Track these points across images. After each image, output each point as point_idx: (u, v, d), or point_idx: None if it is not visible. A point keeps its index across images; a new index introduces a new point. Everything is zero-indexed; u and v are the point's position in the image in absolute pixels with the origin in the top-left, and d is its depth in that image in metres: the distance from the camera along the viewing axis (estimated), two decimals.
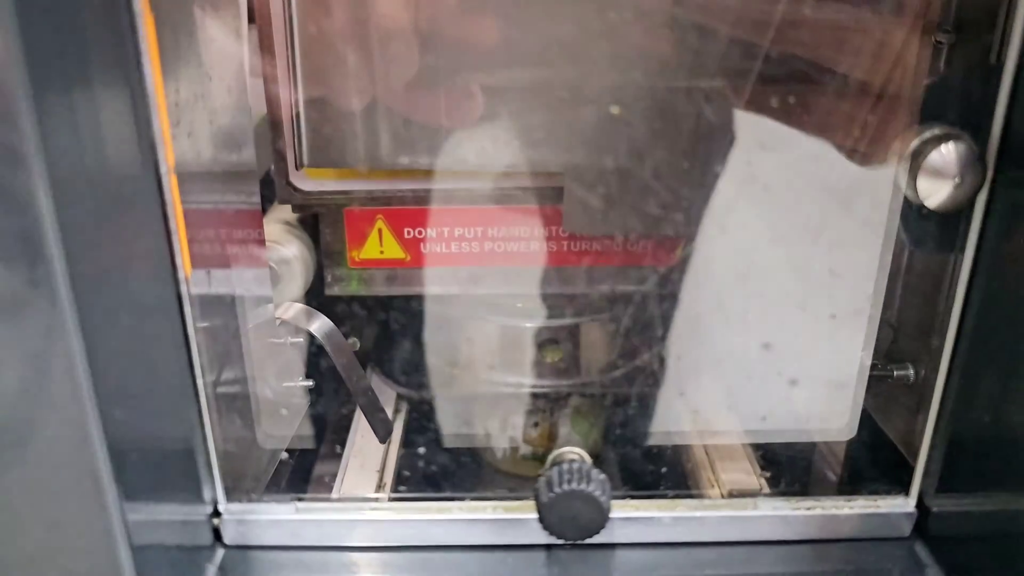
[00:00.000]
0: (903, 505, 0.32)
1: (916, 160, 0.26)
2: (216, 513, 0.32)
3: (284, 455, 0.37)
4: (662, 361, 0.38)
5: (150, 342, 0.28)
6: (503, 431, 0.41)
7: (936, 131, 0.27)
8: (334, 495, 0.36)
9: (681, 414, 0.36)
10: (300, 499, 0.32)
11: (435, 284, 0.44)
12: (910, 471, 0.32)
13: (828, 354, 0.35)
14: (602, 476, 0.29)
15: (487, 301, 0.43)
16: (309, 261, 0.43)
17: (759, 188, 0.32)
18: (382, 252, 0.43)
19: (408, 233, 0.42)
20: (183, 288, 0.29)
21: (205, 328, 0.31)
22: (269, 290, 0.39)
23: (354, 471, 0.38)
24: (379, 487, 0.36)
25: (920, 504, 0.32)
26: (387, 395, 0.44)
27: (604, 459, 0.39)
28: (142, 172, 0.27)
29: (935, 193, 0.26)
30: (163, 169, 0.27)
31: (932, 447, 0.31)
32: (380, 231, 0.43)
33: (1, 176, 0.20)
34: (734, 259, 0.35)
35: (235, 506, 0.32)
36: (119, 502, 0.25)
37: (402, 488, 0.36)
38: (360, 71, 0.36)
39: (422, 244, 0.42)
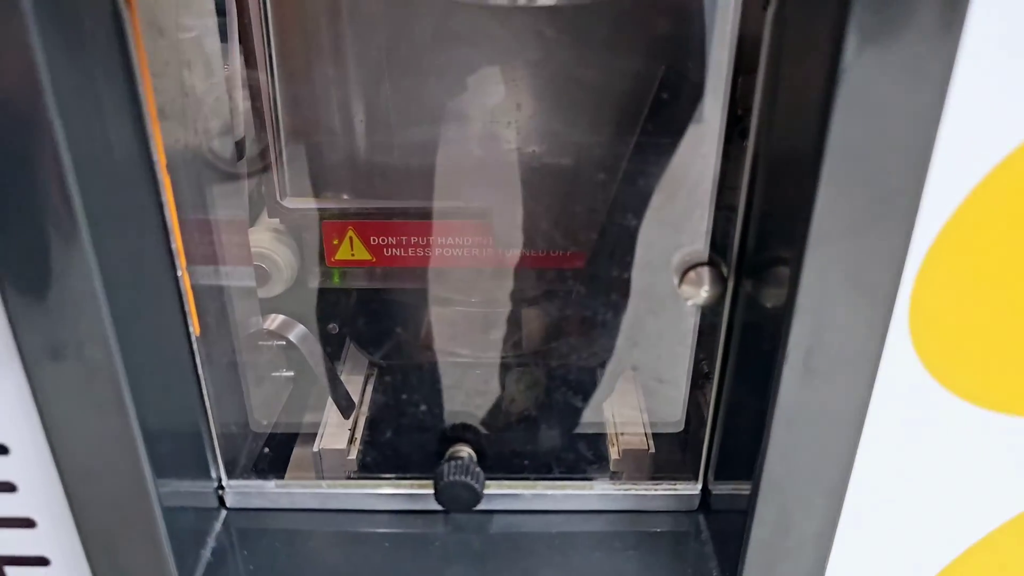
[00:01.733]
0: (692, 488, 0.46)
1: (682, 275, 0.39)
2: (220, 486, 0.46)
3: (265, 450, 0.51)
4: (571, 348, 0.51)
5: (163, 342, 0.40)
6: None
7: (696, 256, 0.39)
8: (315, 447, 0.50)
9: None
10: (279, 478, 0.47)
11: (394, 280, 0.57)
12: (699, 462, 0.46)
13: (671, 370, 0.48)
14: (478, 470, 0.43)
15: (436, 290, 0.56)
16: (293, 262, 0.56)
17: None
18: (352, 255, 0.56)
19: (373, 240, 0.55)
20: (182, 287, 0.40)
21: (204, 329, 0.43)
22: (254, 284, 0.50)
23: (331, 427, 0.52)
24: (350, 441, 0.50)
25: (704, 487, 0.46)
26: (361, 362, 0.57)
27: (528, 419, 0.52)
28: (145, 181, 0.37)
29: (693, 297, 0.39)
30: (160, 180, 0.37)
31: (711, 447, 0.45)
32: (351, 239, 0.55)
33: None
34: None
35: (234, 482, 0.46)
36: (153, 476, 0.39)
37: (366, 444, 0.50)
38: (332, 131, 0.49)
39: (384, 249, 0.56)
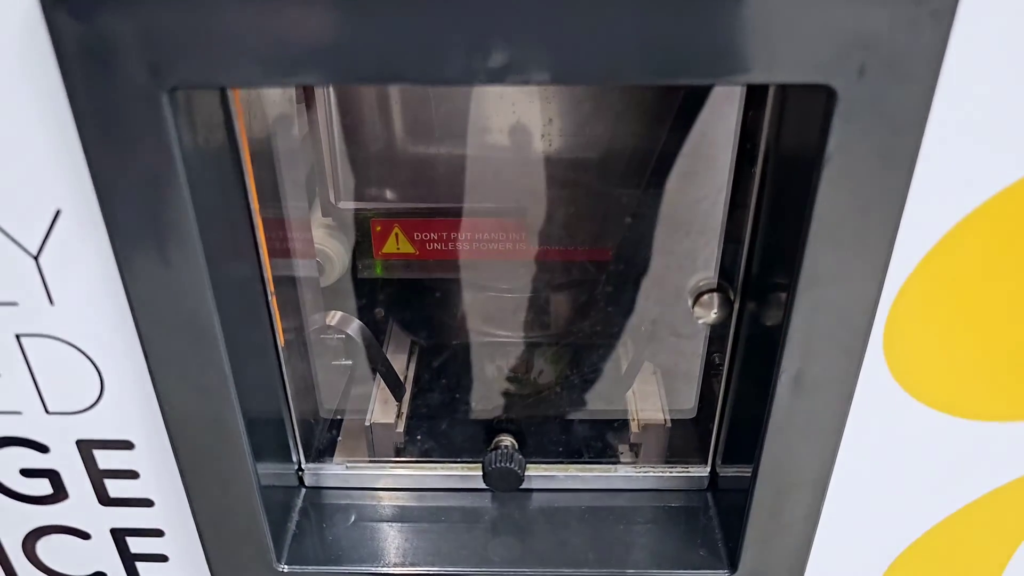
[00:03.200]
0: (702, 471, 0.53)
1: (695, 298, 0.46)
2: (300, 468, 0.54)
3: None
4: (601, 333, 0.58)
5: (254, 335, 0.47)
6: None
7: (707, 281, 0.46)
8: (366, 421, 0.57)
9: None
10: (348, 461, 0.55)
11: (435, 271, 0.64)
12: (708, 447, 0.54)
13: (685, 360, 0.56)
14: (520, 456, 0.51)
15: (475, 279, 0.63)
16: (344, 256, 0.63)
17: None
18: (398, 248, 0.63)
19: (416, 236, 0.63)
20: (267, 281, 0.46)
21: (284, 318, 0.51)
22: (318, 276, 0.57)
23: (380, 403, 0.60)
24: (397, 416, 0.58)
25: (712, 470, 0.53)
26: (404, 342, 0.64)
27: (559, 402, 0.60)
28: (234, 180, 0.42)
29: (704, 317, 0.46)
30: (246, 177, 0.43)
31: (718, 434, 0.52)
32: (396, 235, 0.63)
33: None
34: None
35: (311, 465, 0.54)
36: (253, 460, 0.46)
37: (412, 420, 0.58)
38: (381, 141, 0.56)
39: (426, 244, 0.63)
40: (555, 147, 0.56)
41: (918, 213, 0.37)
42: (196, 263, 0.38)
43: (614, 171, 0.55)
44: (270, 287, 0.48)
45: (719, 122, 0.44)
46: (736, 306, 0.46)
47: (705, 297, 0.46)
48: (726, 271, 0.47)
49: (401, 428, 0.58)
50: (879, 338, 0.41)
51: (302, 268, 0.54)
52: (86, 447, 0.47)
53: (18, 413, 0.45)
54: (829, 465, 0.44)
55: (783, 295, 0.40)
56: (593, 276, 0.60)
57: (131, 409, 0.45)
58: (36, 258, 0.40)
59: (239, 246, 0.44)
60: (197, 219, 0.37)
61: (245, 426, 0.44)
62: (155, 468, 0.47)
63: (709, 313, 0.46)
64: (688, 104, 0.47)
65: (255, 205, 0.45)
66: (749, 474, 0.47)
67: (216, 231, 0.39)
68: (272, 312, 0.49)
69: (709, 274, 0.47)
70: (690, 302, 0.47)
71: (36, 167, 0.37)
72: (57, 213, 0.38)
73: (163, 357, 0.41)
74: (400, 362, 0.64)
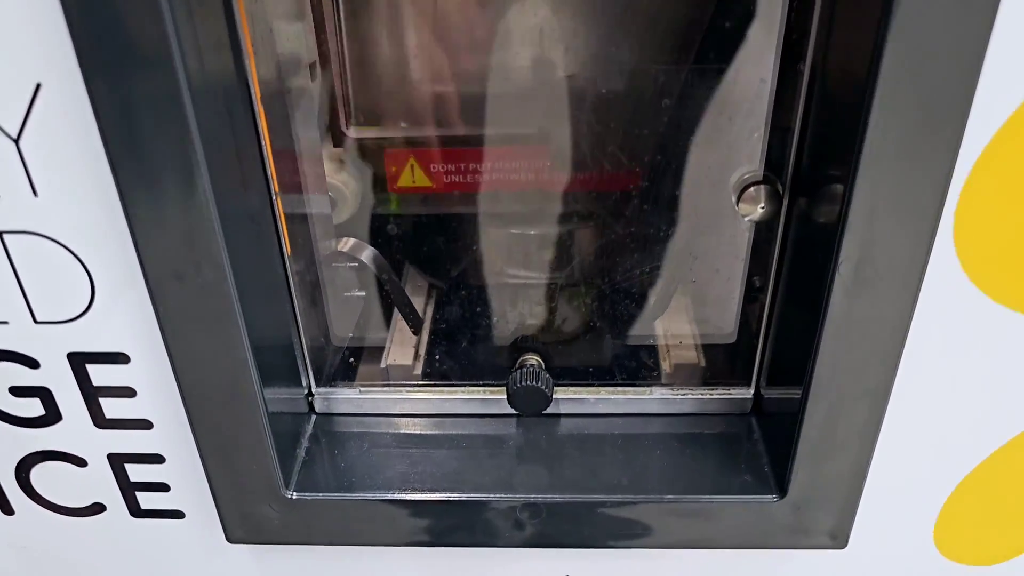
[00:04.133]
0: (745, 393, 0.49)
1: (740, 193, 0.42)
2: (310, 393, 0.51)
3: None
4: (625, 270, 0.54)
5: (262, 262, 0.44)
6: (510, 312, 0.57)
7: (752, 174, 0.42)
8: (383, 364, 0.54)
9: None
10: (362, 385, 0.51)
11: (453, 205, 0.60)
12: (752, 364, 0.49)
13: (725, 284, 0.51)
14: (547, 376, 0.47)
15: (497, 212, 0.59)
16: (357, 190, 0.60)
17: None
18: (414, 181, 0.59)
19: (433, 168, 0.59)
20: (275, 204, 0.43)
21: (293, 250, 0.47)
22: (330, 210, 0.54)
23: (397, 345, 0.56)
24: (415, 357, 0.55)
25: (756, 392, 0.49)
26: (421, 285, 0.60)
27: (589, 332, 0.55)
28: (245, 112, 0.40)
29: (750, 213, 0.42)
30: (256, 111, 0.41)
31: (763, 354, 0.48)
32: (412, 166, 0.59)
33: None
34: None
35: (322, 389, 0.50)
36: (260, 384, 0.43)
37: (430, 358, 0.54)
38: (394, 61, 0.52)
39: (444, 175, 0.59)
40: (580, 59, 0.52)
41: (997, 73, 0.33)
42: (198, 175, 0.35)
43: (646, 73, 0.50)
44: (278, 208, 0.44)
45: None
46: (785, 202, 0.42)
47: (751, 191, 0.41)
48: (772, 164, 0.42)
49: (419, 371, 0.54)
50: (949, 226, 0.37)
51: (314, 202, 0.51)
52: (78, 361, 0.43)
53: (4, 323, 0.42)
54: (891, 374, 0.40)
55: (838, 187, 0.36)
56: (626, 199, 0.56)
57: (125, 318, 0.41)
58: (16, 141, 0.36)
59: (242, 154, 0.41)
60: (200, 131, 0.34)
61: (251, 348, 0.40)
62: (153, 385, 0.44)
63: (755, 208, 0.42)
64: None
65: (263, 125, 0.41)
66: (799, 395, 0.43)
67: (218, 142, 0.36)
68: (281, 233, 0.45)
69: (754, 167, 0.43)
70: (734, 198, 0.43)
71: (12, 33, 0.34)
72: (37, 87, 0.35)
73: (162, 275, 0.38)
74: (419, 303, 0.60)
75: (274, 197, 0.43)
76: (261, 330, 0.42)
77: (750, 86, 0.42)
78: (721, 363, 0.51)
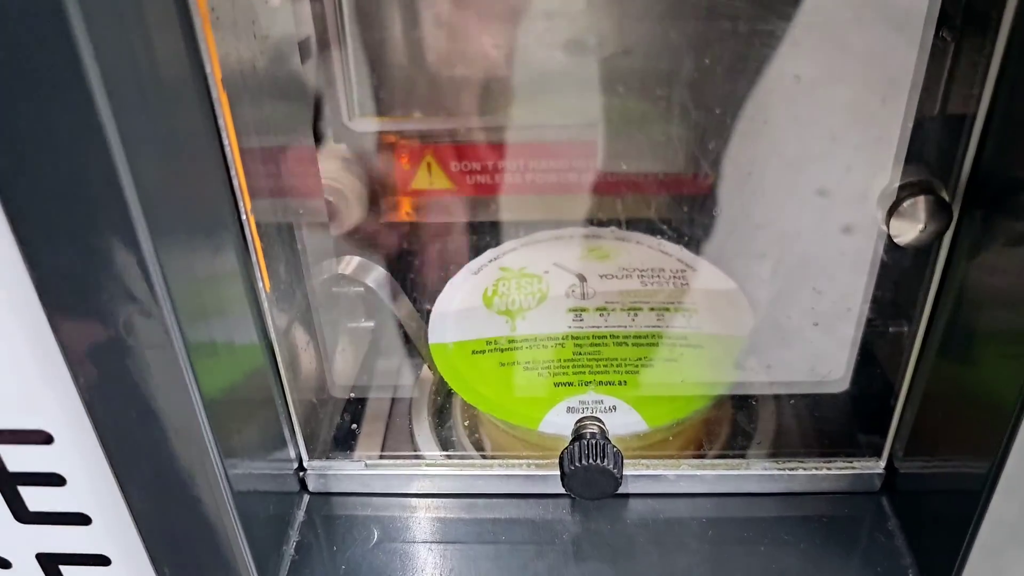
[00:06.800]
0: (874, 467, 0.37)
1: (892, 205, 0.30)
2: (301, 467, 0.39)
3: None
4: None
5: (226, 298, 0.32)
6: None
7: (911, 178, 0.30)
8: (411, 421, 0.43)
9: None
10: (369, 459, 0.39)
11: (479, 211, 0.49)
12: (884, 428, 0.37)
13: (831, 303, 0.40)
14: (615, 449, 0.35)
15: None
16: (363, 194, 0.48)
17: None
18: (431, 183, 0.48)
19: (454, 167, 0.47)
20: (245, 224, 0.32)
21: (274, 279, 0.36)
22: (326, 220, 0.43)
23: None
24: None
25: (889, 465, 0.37)
26: None
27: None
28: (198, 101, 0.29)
29: (904, 234, 0.30)
30: (216, 97, 0.29)
31: (903, 416, 0.36)
32: (429, 164, 0.48)
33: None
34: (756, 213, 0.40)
35: (316, 463, 0.39)
36: (219, 458, 0.31)
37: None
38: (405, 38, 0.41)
39: (467, 176, 0.48)
40: (634, 30, 0.41)
41: None
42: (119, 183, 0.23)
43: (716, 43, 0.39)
44: (251, 231, 0.33)
45: None
46: (955, 217, 0.30)
47: (906, 205, 0.30)
48: (934, 163, 0.31)
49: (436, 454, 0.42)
50: None
51: (305, 210, 0.39)
52: None
53: None
54: None
55: None
56: (698, 210, 0.45)
57: (41, 383, 0.30)
58: None
59: (193, 156, 0.29)
60: (119, 129, 0.23)
61: (206, 412, 0.29)
62: (86, 471, 0.32)
63: (914, 228, 0.30)
64: None
65: (227, 118, 0.30)
66: (950, 470, 0.31)
67: (149, 140, 0.24)
68: (256, 260, 0.33)
69: (890, 172, 0.31)
70: (880, 214, 0.31)
71: None
72: None
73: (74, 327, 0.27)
74: None
75: (242, 209, 0.32)
76: (223, 388, 0.31)
77: (898, 44, 0.30)
78: (838, 426, 0.39)
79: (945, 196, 0.30)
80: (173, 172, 0.27)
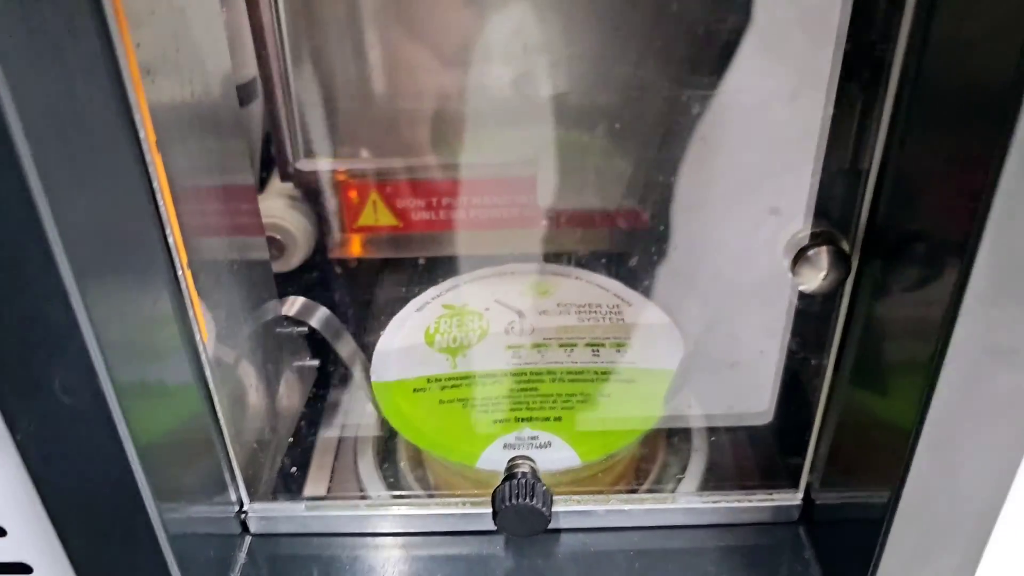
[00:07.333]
0: (792, 498, 0.39)
1: (796, 254, 0.32)
2: (242, 509, 0.40)
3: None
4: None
5: (159, 344, 0.32)
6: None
7: (815, 229, 0.32)
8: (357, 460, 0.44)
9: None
10: (309, 499, 0.40)
11: (426, 247, 0.50)
12: (803, 460, 0.39)
13: (754, 338, 0.41)
14: (544, 488, 0.36)
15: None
16: (310, 232, 0.49)
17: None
18: (376, 220, 0.49)
19: (399, 204, 0.49)
20: (179, 266, 0.33)
21: (213, 320, 0.36)
22: (267, 258, 0.44)
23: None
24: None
25: (807, 495, 0.39)
26: None
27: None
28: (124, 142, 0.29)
29: (808, 282, 0.32)
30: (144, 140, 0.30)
31: (818, 448, 0.38)
32: (374, 202, 0.49)
33: None
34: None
35: (258, 504, 0.40)
36: (154, 500, 0.32)
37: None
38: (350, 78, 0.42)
39: (412, 212, 0.49)
40: (566, 76, 0.42)
41: None
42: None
43: (653, 93, 0.41)
44: (185, 274, 0.33)
45: None
46: (854, 267, 0.32)
47: (811, 253, 0.32)
48: (834, 215, 0.33)
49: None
50: None
51: (247, 248, 0.40)
52: None
53: None
54: (1003, 491, 0.30)
55: (948, 243, 0.26)
56: (626, 246, 0.46)
57: None
58: None
59: (117, 200, 0.30)
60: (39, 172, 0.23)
61: (139, 458, 0.30)
62: (24, 521, 0.33)
63: (817, 276, 0.32)
64: None
65: (155, 161, 0.31)
66: (862, 500, 0.33)
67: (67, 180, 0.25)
68: (190, 303, 0.34)
69: (800, 224, 0.33)
70: (786, 262, 0.33)
71: None
72: None
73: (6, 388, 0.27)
74: None
75: (174, 252, 0.32)
76: (158, 433, 0.32)
77: (804, 108, 0.32)
78: (753, 456, 0.41)
79: (845, 247, 0.32)
80: (99, 217, 0.28)
